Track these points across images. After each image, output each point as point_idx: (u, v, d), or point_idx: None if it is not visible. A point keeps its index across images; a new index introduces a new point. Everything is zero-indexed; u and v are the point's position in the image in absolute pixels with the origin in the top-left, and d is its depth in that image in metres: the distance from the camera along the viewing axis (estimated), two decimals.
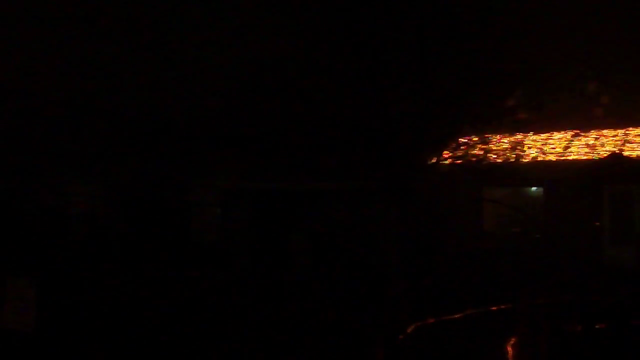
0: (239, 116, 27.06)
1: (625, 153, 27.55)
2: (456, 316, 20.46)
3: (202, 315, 19.19)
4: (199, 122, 28.57)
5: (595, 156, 27.99)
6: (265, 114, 26.38)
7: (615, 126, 30.55)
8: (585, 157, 28.15)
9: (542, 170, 27.52)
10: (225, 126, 27.69)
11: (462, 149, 27.36)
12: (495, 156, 27.82)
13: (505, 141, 29.27)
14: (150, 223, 28.71)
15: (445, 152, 27.70)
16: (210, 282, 23.99)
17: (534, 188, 28.28)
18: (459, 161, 26.52)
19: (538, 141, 30.54)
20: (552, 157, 28.70)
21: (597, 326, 15.21)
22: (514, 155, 28.01)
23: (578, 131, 30.72)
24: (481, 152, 26.56)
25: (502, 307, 21.92)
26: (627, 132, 30.13)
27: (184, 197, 29.86)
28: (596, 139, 29.91)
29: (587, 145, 29.29)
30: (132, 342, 16.25)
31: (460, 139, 28.30)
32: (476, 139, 27.50)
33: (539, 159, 28.67)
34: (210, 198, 29.72)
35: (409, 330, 17.75)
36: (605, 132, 30.48)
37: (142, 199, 29.06)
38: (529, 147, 29.85)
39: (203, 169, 29.41)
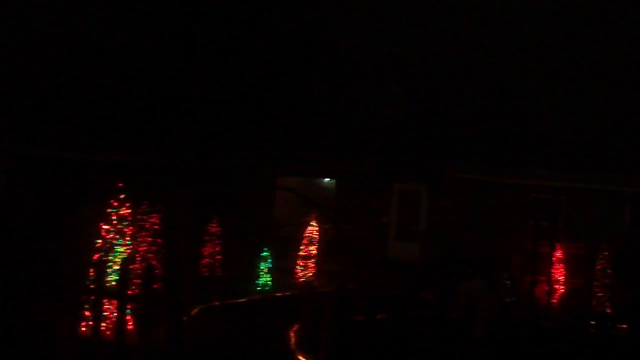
0: (35, 76, 25.72)
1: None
2: (241, 300, 20.43)
3: None
4: None
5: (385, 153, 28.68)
6: (65, 78, 25.28)
7: (412, 126, 31.53)
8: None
9: (335, 163, 27.87)
10: (18, 86, 26.19)
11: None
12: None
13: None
14: None
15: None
16: None
17: (327, 180, 28.67)
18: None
19: None
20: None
21: (378, 316, 15.57)
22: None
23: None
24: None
25: (287, 294, 22.14)
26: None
27: None
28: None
29: (380, 142, 29.99)
30: None
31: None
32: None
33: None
34: None
35: (194, 312, 17.52)
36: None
37: None
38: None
39: None
